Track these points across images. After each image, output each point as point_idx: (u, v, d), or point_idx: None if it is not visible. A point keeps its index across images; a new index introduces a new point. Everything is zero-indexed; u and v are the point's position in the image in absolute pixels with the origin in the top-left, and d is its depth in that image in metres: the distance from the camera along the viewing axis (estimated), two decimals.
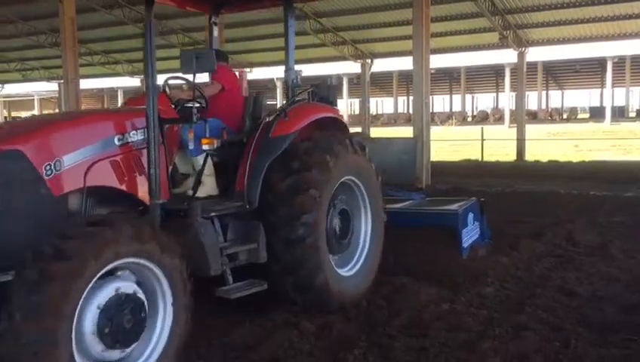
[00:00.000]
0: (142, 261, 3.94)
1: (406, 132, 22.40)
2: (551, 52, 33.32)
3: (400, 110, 63.36)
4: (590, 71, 55.77)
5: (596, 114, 52.84)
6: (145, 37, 4.58)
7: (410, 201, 8.00)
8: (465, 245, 6.96)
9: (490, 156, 23.42)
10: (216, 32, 6.43)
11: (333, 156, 5.44)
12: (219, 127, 5.37)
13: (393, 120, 56.06)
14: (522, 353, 4.47)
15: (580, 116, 58.78)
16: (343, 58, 28.66)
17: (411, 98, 20.63)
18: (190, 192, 5.14)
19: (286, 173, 5.27)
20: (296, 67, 6.31)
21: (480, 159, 22.85)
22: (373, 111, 57.19)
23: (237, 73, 6.41)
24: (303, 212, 5.15)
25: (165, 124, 4.83)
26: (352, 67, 31.22)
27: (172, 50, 27.98)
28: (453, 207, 7.26)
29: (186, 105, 5.38)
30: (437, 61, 26.16)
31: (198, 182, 5.13)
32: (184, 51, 4.90)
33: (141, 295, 3.95)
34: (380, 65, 30.13)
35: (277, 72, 44.76)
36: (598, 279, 6.58)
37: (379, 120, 56.40)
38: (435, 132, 23.47)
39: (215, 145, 5.03)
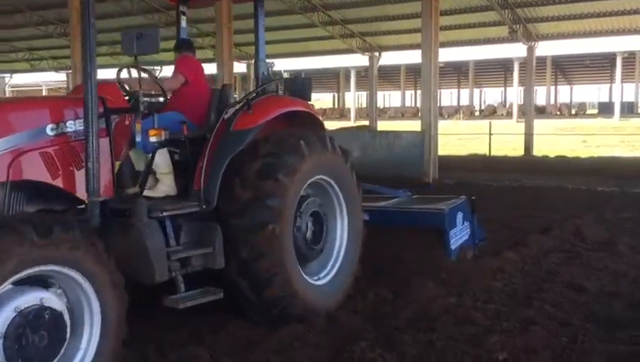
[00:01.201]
0: (60, 268, 3.52)
1: (413, 126, 22.36)
2: (560, 46, 33.12)
3: (407, 104, 63.23)
4: (599, 66, 55.36)
5: (605, 109, 52.52)
6: (83, 17, 4.05)
7: (395, 199, 7.55)
8: (453, 247, 6.65)
9: (498, 151, 23.35)
10: (184, 22, 6.03)
11: (299, 155, 5.02)
12: (178, 121, 5.00)
13: (400, 113, 55.93)
14: (529, 347, 4.45)
15: (588, 111, 58.46)
16: (351, 51, 28.56)
17: (419, 92, 20.56)
18: (145, 193, 4.77)
19: (247, 173, 4.85)
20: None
21: (487, 154, 22.80)
22: (380, 104, 57.07)
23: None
24: (264, 219, 4.72)
25: (111, 115, 4.42)
26: (360, 60, 31.14)
27: None
28: (440, 205, 6.85)
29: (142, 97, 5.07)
30: (445, 55, 26.02)
31: (145, 180, 4.75)
32: (125, 31, 4.49)
33: (60, 307, 3.54)
34: (388, 58, 30.00)
35: (284, 64, 44.83)
36: (605, 275, 6.56)
37: (386, 113, 56.26)
38: (443, 126, 23.40)
39: (163, 137, 4.65)
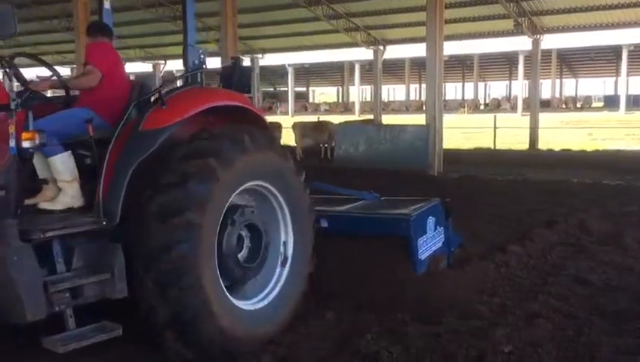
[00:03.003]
0: None
1: (418, 119, 22.33)
2: (566, 39, 32.98)
3: (412, 97, 63.16)
4: (605, 59, 55.15)
5: (611, 102, 52.33)
6: None
7: (361, 202, 6.59)
8: (422, 257, 5.74)
9: (503, 144, 23.33)
10: (107, 4, 5.19)
11: (239, 146, 4.27)
12: (83, 119, 4.25)
13: (405, 107, 55.86)
14: (535, 341, 4.46)
15: (594, 105, 58.26)
16: (355, 44, 28.52)
17: (423, 85, 20.50)
18: (44, 205, 4.09)
19: (158, 181, 4.04)
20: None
21: (492, 147, 22.77)
22: (384, 98, 57.03)
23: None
24: (181, 205, 3.93)
25: None
26: (365, 54, 31.09)
27: None
28: (406, 210, 5.93)
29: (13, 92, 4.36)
30: (450, 48, 25.96)
31: (19, 193, 3.84)
32: None
33: None
34: (392, 51, 29.94)
35: (289, 59, 44.76)
36: (611, 268, 6.55)
37: (389, 107, 56.20)
38: (448, 119, 23.38)
39: (38, 142, 3.82)
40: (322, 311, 5.10)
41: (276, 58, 38.22)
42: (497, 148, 22.62)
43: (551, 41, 28.94)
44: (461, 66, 60.95)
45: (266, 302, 4.66)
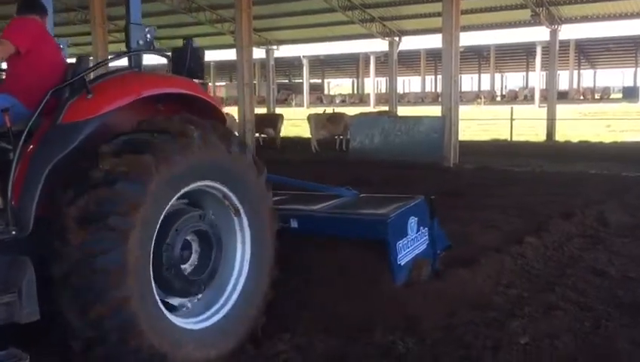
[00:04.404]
0: None
1: (433, 111, 22.22)
2: (584, 30, 32.59)
3: (427, 89, 62.88)
4: (624, 49, 54.51)
5: (629, 94, 51.74)
6: None
7: (337, 200, 5.96)
8: (402, 262, 5.19)
9: (520, 136, 23.16)
10: None
11: (183, 141, 3.62)
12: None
13: (420, 99, 55.65)
14: (551, 332, 4.43)
15: (612, 96, 57.60)
16: (371, 36, 28.41)
17: (439, 77, 20.36)
18: None
19: (81, 181, 3.40)
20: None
21: (509, 139, 22.62)
22: (400, 90, 56.82)
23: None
24: (101, 248, 3.26)
25: None
26: (380, 45, 30.97)
27: (200, 28, 28.13)
28: (384, 210, 5.35)
29: None
30: (466, 39, 25.75)
31: None
32: None
33: None
34: (408, 43, 29.80)
35: (304, 50, 44.71)
36: (629, 260, 6.49)
37: (404, 98, 56.01)
38: (464, 111, 23.22)
39: None
40: (334, 302, 5.07)
41: (291, 50, 38.17)
42: (514, 139, 22.47)
43: (569, 32, 28.58)
44: (477, 57, 60.52)
45: (214, 319, 4.05)
